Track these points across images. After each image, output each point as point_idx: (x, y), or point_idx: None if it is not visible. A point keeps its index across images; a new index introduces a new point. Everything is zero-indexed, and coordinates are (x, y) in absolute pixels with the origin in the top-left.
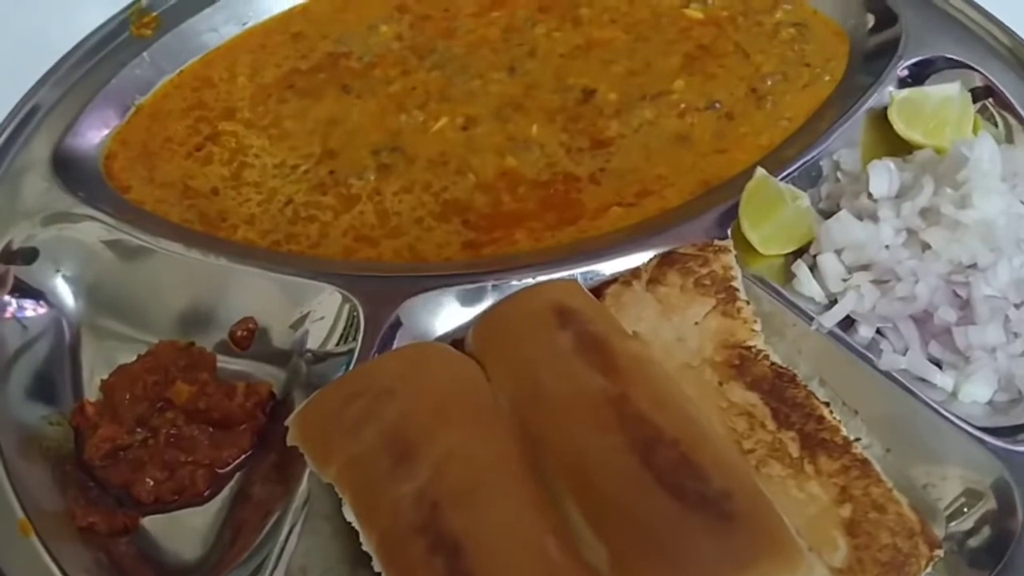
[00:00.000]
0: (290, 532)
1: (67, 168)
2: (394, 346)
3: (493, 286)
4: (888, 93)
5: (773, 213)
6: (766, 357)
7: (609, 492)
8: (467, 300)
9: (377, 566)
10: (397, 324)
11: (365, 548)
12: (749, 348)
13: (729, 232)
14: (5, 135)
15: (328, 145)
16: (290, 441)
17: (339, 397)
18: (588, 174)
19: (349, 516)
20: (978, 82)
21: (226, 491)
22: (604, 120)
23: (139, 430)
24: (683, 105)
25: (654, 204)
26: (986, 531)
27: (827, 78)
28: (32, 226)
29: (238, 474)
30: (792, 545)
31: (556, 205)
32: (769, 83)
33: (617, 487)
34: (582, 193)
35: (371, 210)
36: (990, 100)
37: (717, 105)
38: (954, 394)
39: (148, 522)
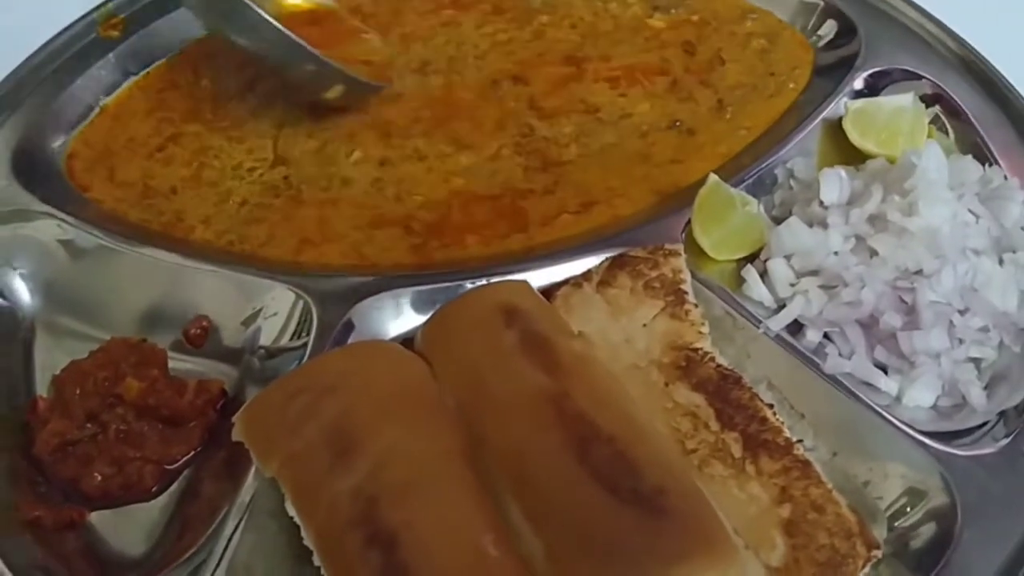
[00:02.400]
0: (235, 529)
1: (28, 166)
2: None
3: (446, 289)
4: (844, 104)
5: (724, 219)
6: (712, 359)
7: (545, 488)
8: (419, 303)
9: (317, 561)
10: (350, 326)
11: (306, 543)
12: (696, 350)
13: (683, 237)
14: None
15: (279, 151)
16: (235, 437)
17: (283, 394)
18: (542, 186)
19: (291, 512)
20: (931, 92)
21: (174, 487)
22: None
23: (88, 425)
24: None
25: (609, 212)
26: (925, 534)
27: (791, 85)
28: None
29: (187, 470)
30: (725, 542)
31: (507, 214)
32: (735, 92)
33: (553, 483)
34: (526, 200)
35: (320, 214)
36: (941, 108)
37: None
38: (898, 398)
39: (95, 517)
